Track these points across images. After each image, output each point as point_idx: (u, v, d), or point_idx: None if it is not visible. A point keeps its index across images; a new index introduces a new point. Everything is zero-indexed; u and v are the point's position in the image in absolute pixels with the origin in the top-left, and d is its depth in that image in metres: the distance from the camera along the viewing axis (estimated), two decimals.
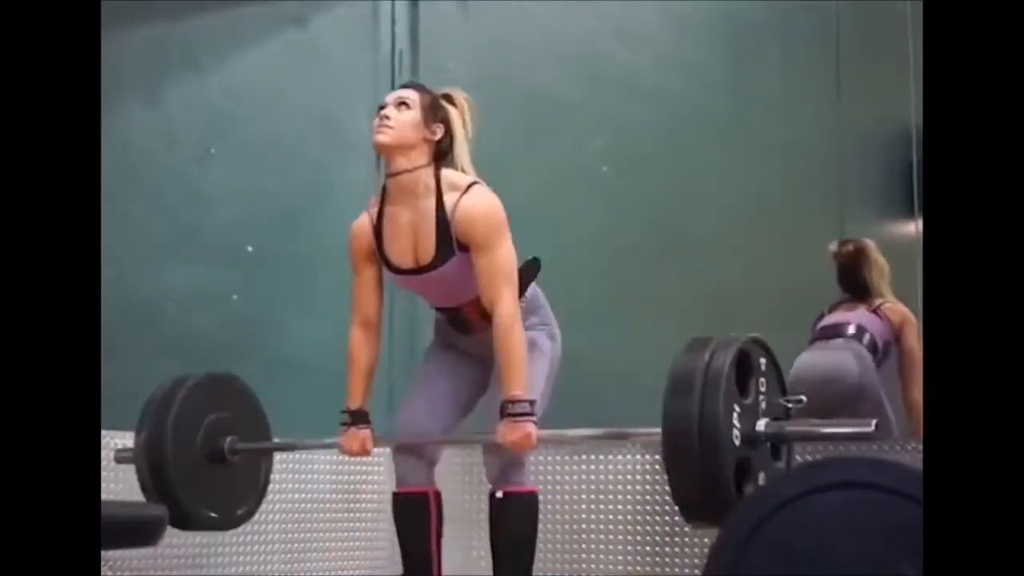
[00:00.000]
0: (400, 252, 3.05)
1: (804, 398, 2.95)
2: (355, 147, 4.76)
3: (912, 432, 3.84)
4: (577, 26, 4.73)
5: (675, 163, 4.50)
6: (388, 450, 4.24)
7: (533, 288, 3.17)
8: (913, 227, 4.04)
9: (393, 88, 4.84)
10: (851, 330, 4.00)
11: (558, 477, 4.01)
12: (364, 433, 3.15)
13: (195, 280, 4.13)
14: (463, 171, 3.05)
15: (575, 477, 3.99)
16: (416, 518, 3.14)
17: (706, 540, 3.60)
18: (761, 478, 2.74)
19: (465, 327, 3.13)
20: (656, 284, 4.40)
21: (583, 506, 3.96)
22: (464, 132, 3.08)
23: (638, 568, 3.84)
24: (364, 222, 3.12)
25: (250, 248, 4.30)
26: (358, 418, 3.16)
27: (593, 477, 3.96)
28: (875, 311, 4.00)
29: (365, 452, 3.18)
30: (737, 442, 2.62)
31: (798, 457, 3.50)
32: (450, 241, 2.97)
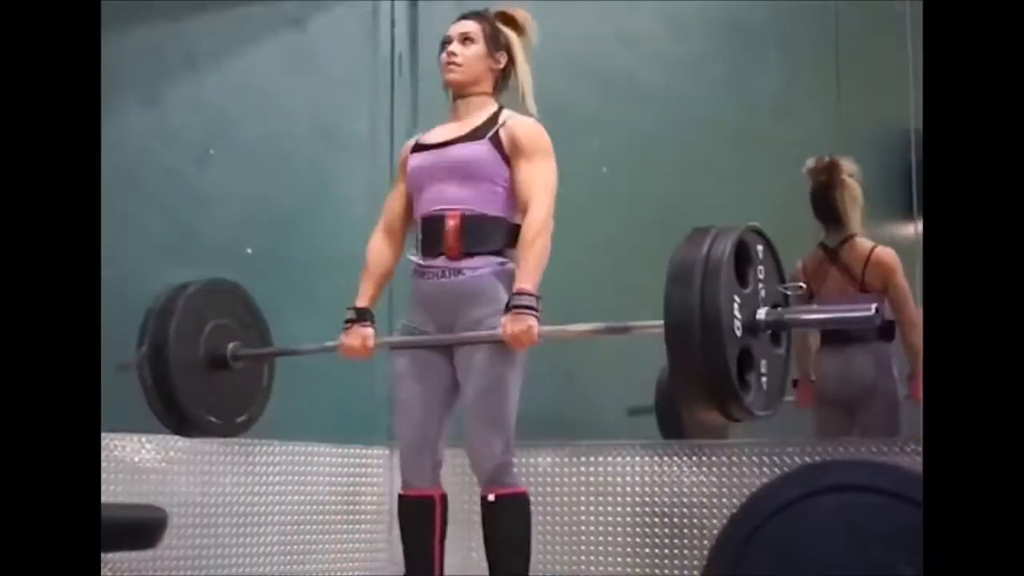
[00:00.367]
0: (436, 134, 3.19)
1: (803, 285, 2.97)
2: (354, 148, 4.76)
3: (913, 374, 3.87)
4: (577, 27, 4.72)
5: (675, 164, 4.50)
6: (388, 451, 4.26)
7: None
8: (913, 228, 4.04)
9: (392, 89, 4.91)
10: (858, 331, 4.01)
11: (558, 478, 4.01)
12: (367, 331, 3.18)
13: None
14: (527, 99, 3.24)
15: (575, 478, 3.98)
16: (421, 521, 3.13)
17: (706, 541, 3.60)
18: (763, 366, 2.72)
19: (443, 245, 3.09)
20: (656, 284, 4.39)
21: (583, 507, 3.95)
22: (526, 56, 3.25)
23: (638, 569, 3.84)
24: (412, 140, 3.28)
25: (249, 250, 4.30)
26: (362, 315, 3.20)
27: (593, 479, 3.96)
28: (863, 287, 4.00)
29: (366, 350, 3.19)
30: (739, 332, 2.61)
31: (797, 459, 3.51)
32: (488, 131, 3.10)
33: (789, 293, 2.87)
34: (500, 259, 3.09)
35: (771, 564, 2.22)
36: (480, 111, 3.17)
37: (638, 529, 3.84)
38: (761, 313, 2.71)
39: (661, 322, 2.67)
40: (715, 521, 3.66)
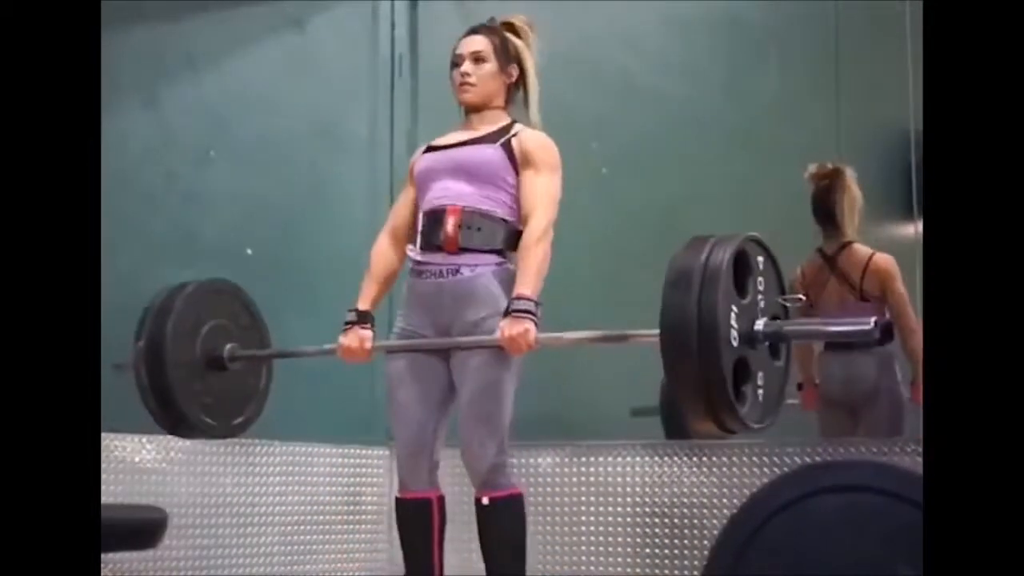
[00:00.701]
0: (448, 139, 3.22)
1: (804, 296, 2.96)
2: (354, 149, 4.76)
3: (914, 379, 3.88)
4: (577, 28, 4.72)
5: (675, 165, 4.51)
6: (388, 451, 4.26)
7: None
8: (913, 229, 4.04)
9: (392, 90, 4.91)
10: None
11: (558, 478, 4.01)
12: (365, 333, 3.17)
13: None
14: (533, 108, 3.26)
15: (575, 479, 3.99)
16: (420, 523, 3.13)
17: (706, 542, 3.61)
18: (760, 378, 2.71)
19: (440, 236, 3.08)
20: (656, 286, 4.39)
21: (583, 507, 3.96)
22: (534, 65, 3.28)
23: (638, 570, 3.85)
24: (424, 146, 3.29)
25: (249, 251, 4.30)
26: (363, 317, 3.19)
27: (593, 479, 3.96)
28: (862, 295, 4.01)
29: (364, 352, 3.17)
30: (735, 342, 2.60)
31: (797, 460, 3.51)
32: (500, 138, 3.13)
33: (789, 305, 2.86)
34: (499, 259, 3.09)
35: (771, 565, 2.22)
36: (494, 123, 3.20)
37: (638, 529, 3.85)
38: (759, 324, 2.70)
39: (657, 331, 2.65)
40: (715, 521, 3.66)
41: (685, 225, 4.44)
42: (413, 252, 3.14)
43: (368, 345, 3.16)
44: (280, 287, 4.37)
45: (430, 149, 3.24)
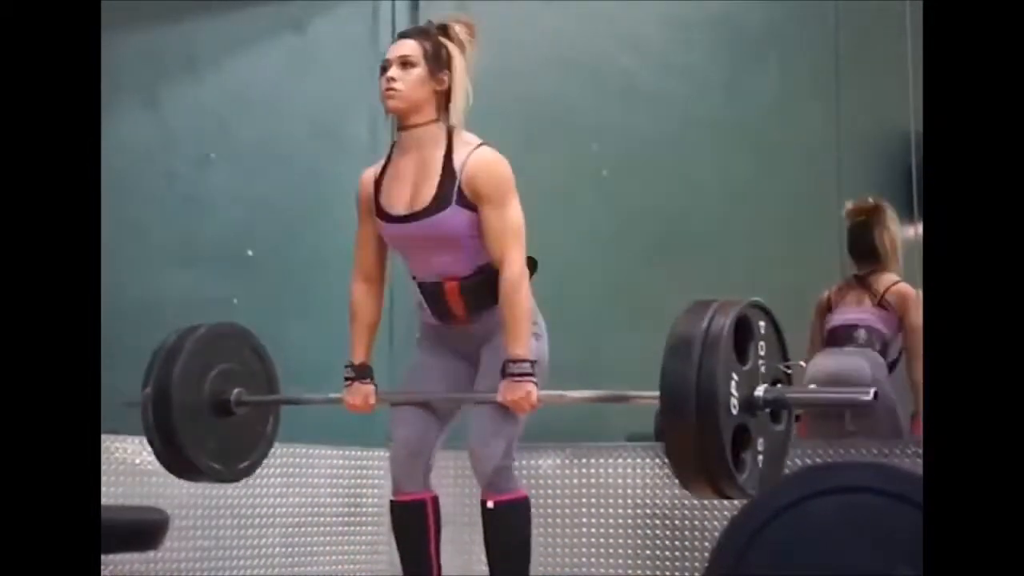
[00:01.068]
0: (397, 196, 3.02)
1: (804, 363, 2.93)
2: (355, 150, 4.76)
3: (915, 412, 3.86)
4: (578, 30, 4.73)
5: (675, 167, 4.51)
6: (388, 453, 4.26)
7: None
8: (912, 230, 4.05)
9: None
10: (862, 335, 4.00)
11: (559, 480, 4.01)
12: (368, 388, 3.13)
13: (195, 284, 4.14)
14: (455, 115, 3.01)
15: (576, 480, 3.99)
16: (415, 525, 3.12)
17: (707, 543, 3.61)
18: (760, 444, 2.70)
19: (448, 314, 3.07)
20: (656, 287, 4.41)
21: (584, 508, 3.96)
22: (465, 73, 3.04)
23: (639, 571, 3.85)
24: (369, 176, 3.12)
25: (250, 252, 4.31)
26: (362, 372, 3.14)
27: (594, 480, 3.96)
28: (881, 302, 4.00)
29: (368, 407, 3.15)
30: (735, 410, 2.59)
31: (798, 461, 3.51)
32: (451, 190, 2.94)
33: (791, 371, 2.86)
34: None
35: (771, 567, 2.22)
36: (431, 147, 2.99)
37: (639, 531, 3.85)
38: (760, 391, 2.69)
39: (657, 393, 2.66)
40: (716, 523, 3.66)
41: (685, 225, 4.49)
42: (429, 318, 3.11)
43: (372, 400, 3.14)
44: (281, 288, 4.38)
45: (382, 211, 3.05)
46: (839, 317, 4.07)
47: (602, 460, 3.95)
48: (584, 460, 3.97)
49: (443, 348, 3.15)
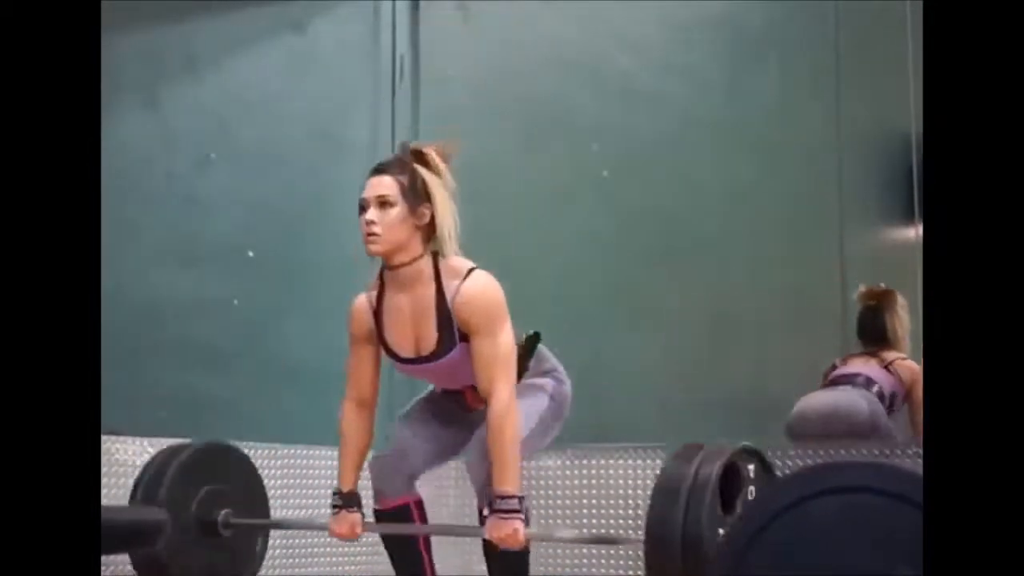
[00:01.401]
0: (401, 341, 2.97)
1: None
2: (355, 152, 4.77)
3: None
4: (578, 31, 4.73)
5: (676, 168, 4.51)
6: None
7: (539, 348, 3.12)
8: (913, 232, 4.05)
9: (394, 92, 4.91)
10: (861, 380, 3.97)
11: (560, 480, 4.01)
12: (355, 517, 3.08)
13: (196, 285, 4.14)
14: (445, 245, 2.93)
15: (577, 480, 3.99)
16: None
17: None
18: None
19: (465, 407, 3.07)
20: (657, 287, 4.41)
21: (585, 509, 3.96)
22: (447, 200, 2.94)
23: (639, 572, 3.84)
24: (364, 305, 3.03)
25: (251, 253, 4.31)
26: (349, 501, 3.08)
27: (595, 480, 3.96)
28: (887, 367, 3.97)
29: (354, 536, 3.09)
30: None
31: (799, 462, 3.51)
32: (452, 331, 2.89)
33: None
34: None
35: (772, 568, 2.22)
36: (421, 286, 2.92)
37: (640, 531, 3.84)
38: None
39: (643, 537, 2.66)
40: None
41: (686, 226, 4.48)
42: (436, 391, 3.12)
43: (359, 530, 3.09)
44: (281, 288, 4.38)
45: (388, 349, 3.00)
46: (840, 370, 4.05)
47: (603, 461, 3.94)
48: (585, 461, 3.97)
49: (446, 402, 3.14)
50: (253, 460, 3.71)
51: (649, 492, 3.83)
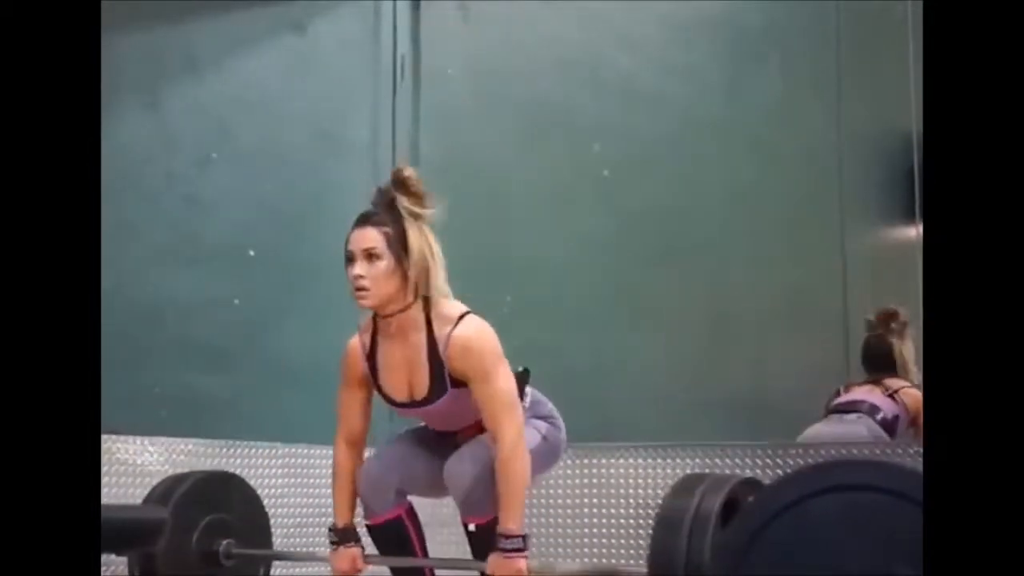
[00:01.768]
0: (395, 386, 3.00)
1: None
2: (356, 151, 4.77)
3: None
4: (578, 31, 4.73)
5: (676, 168, 4.51)
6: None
7: (530, 392, 3.11)
8: (914, 232, 4.04)
9: (395, 92, 4.91)
10: (865, 407, 3.95)
11: (561, 480, 4.01)
12: (354, 551, 3.06)
13: (196, 284, 4.14)
14: (432, 290, 2.91)
15: (578, 480, 3.99)
16: (397, 541, 3.08)
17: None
18: None
19: (455, 446, 3.06)
20: (657, 287, 4.41)
21: (586, 509, 3.96)
22: (434, 246, 2.90)
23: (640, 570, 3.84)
24: (357, 350, 3.03)
25: (251, 252, 4.31)
26: (346, 536, 3.07)
27: (596, 480, 3.96)
28: (891, 395, 3.96)
29: (356, 570, 3.08)
30: None
31: (800, 461, 3.51)
32: (443, 378, 2.91)
33: None
34: None
35: (773, 566, 2.22)
36: (413, 333, 2.92)
37: (641, 531, 3.84)
38: None
39: (645, 570, 2.66)
40: None
41: (687, 226, 4.48)
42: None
43: (361, 564, 3.08)
44: (282, 288, 4.38)
45: (385, 396, 3.02)
46: (844, 397, 4.03)
47: (604, 460, 3.94)
48: (587, 460, 3.97)
49: (438, 438, 3.13)
50: (255, 457, 3.72)
51: (649, 491, 3.85)
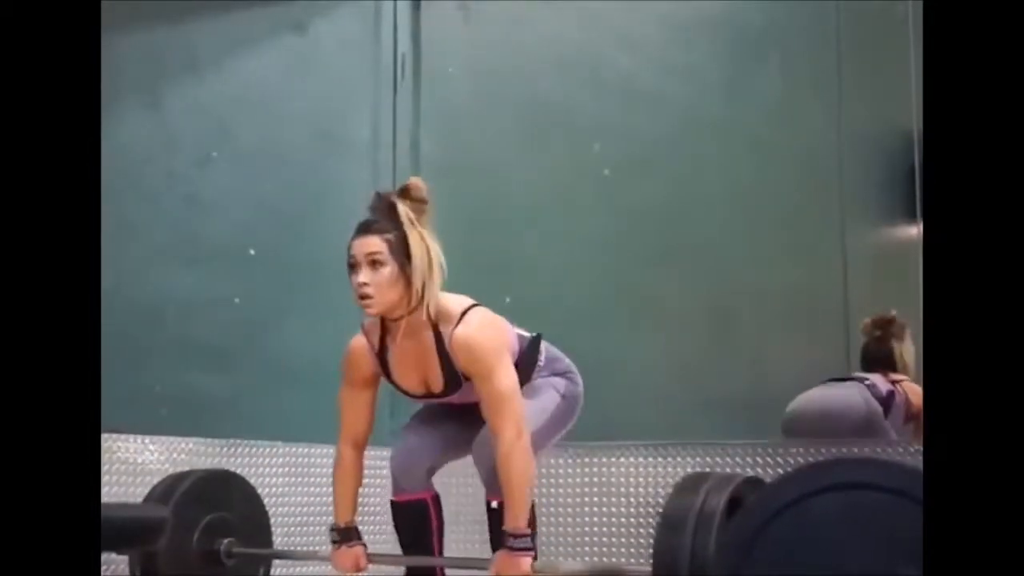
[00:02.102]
0: (412, 382, 3.02)
1: None
2: (356, 150, 4.77)
3: None
4: (578, 29, 4.73)
5: (676, 167, 4.51)
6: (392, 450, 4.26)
7: (545, 349, 3.12)
8: (915, 231, 4.04)
9: (395, 91, 4.91)
10: (858, 377, 3.95)
11: (563, 478, 4.01)
12: (357, 550, 3.08)
13: (197, 283, 4.14)
14: (432, 303, 2.90)
15: (579, 479, 3.99)
16: (417, 524, 3.11)
17: None
18: None
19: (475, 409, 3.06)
20: (657, 287, 4.41)
21: (587, 507, 3.96)
22: (433, 252, 2.89)
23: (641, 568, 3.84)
24: (363, 348, 3.02)
25: (252, 251, 4.31)
26: (348, 535, 3.09)
27: (597, 479, 3.97)
28: (892, 383, 3.94)
29: (359, 569, 3.09)
30: None
31: (800, 459, 3.51)
32: (456, 373, 2.94)
33: None
34: None
35: (775, 564, 2.22)
36: (420, 332, 2.93)
37: (642, 530, 3.85)
38: None
39: (650, 568, 2.66)
40: None
41: (687, 226, 4.48)
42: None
43: (364, 562, 3.09)
44: (282, 287, 4.38)
45: (401, 390, 3.04)
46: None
47: (605, 459, 3.94)
48: (589, 459, 3.97)
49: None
50: (255, 456, 3.72)
51: (650, 489, 3.85)
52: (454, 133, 4.89)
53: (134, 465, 3.63)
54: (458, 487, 3.64)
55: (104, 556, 3.34)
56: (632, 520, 3.88)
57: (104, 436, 3.47)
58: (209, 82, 4.34)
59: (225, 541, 3.41)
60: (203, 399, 4.04)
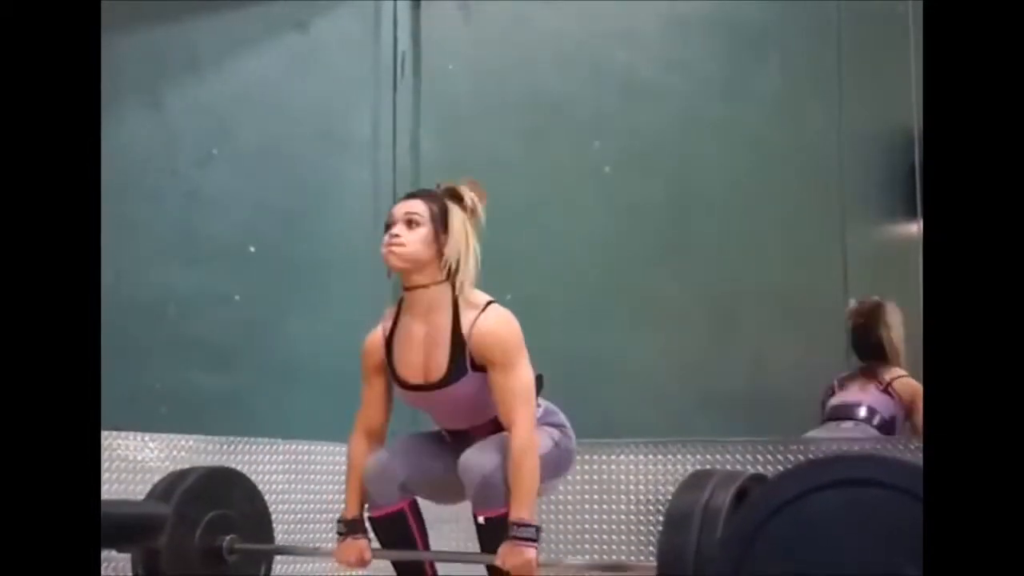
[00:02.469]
0: (410, 365, 2.98)
1: None
2: (357, 149, 4.77)
3: None
4: (578, 27, 4.73)
5: (677, 164, 4.51)
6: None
7: (543, 402, 3.10)
8: (915, 229, 4.05)
9: (395, 90, 4.92)
10: (862, 412, 3.94)
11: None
12: (361, 543, 3.06)
13: (197, 281, 4.13)
14: (462, 282, 2.92)
15: (580, 477, 3.99)
16: (399, 534, 3.06)
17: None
18: None
19: (466, 436, 3.05)
20: (658, 285, 4.41)
21: (587, 505, 3.96)
22: (471, 236, 2.94)
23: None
24: (377, 336, 3.04)
25: (252, 249, 4.31)
26: (354, 528, 3.07)
27: (598, 476, 3.97)
28: (886, 389, 3.94)
29: (363, 563, 3.08)
30: None
31: (800, 457, 3.51)
32: (463, 359, 2.91)
33: None
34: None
35: (775, 560, 2.23)
36: (438, 312, 2.93)
37: (643, 527, 3.85)
38: None
39: (655, 565, 2.66)
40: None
41: (687, 224, 4.49)
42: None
43: (368, 556, 3.07)
44: (282, 285, 4.38)
45: (398, 379, 3.01)
46: (840, 397, 4.02)
47: (606, 456, 3.94)
48: (589, 457, 3.97)
49: (444, 441, 3.13)
50: (255, 454, 3.72)
51: (652, 487, 3.85)
52: (454, 131, 4.89)
53: (134, 463, 3.63)
54: None
55: (105, 554, 3.34)
56: (634, 517, 3.88)
57: (104, 433, 3.47)
58: (209, 81, 4.34)
59: (227, 538, 3.41)
60: (203, 397, 4.04)
